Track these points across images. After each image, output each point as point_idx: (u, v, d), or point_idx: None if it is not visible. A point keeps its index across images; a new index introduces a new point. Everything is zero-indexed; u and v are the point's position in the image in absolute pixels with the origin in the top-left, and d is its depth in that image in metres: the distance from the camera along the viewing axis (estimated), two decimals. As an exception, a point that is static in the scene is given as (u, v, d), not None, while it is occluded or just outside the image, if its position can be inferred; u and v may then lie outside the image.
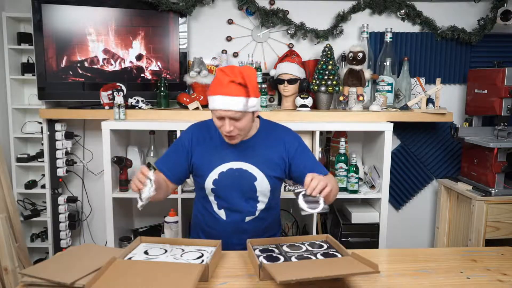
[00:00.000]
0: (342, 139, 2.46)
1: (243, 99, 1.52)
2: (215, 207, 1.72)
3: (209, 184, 1.67)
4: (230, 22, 2.73)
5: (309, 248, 1.49)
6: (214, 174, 1.66)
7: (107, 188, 2.35)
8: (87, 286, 1.16)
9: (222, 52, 2.71)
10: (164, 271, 1.26)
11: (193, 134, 1.73)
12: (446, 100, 2.80)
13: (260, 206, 1.71)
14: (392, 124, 2.39)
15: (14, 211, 2.49)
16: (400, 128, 2.79)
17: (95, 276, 1.20)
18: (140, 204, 1.44)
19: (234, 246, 1.64)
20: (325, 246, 1.52)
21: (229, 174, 1.66)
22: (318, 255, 1.43)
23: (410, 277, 1.37)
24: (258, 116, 1.77)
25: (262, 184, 1.67)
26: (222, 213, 1.71)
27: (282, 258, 1.40)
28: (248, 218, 1.71)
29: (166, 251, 1.46)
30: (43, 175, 2.70)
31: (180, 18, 2.61)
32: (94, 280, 1.19)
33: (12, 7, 2.63)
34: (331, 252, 1.46)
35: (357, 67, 2.51)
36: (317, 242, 1.55)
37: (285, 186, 2.42)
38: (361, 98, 2.54)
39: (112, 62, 2.58)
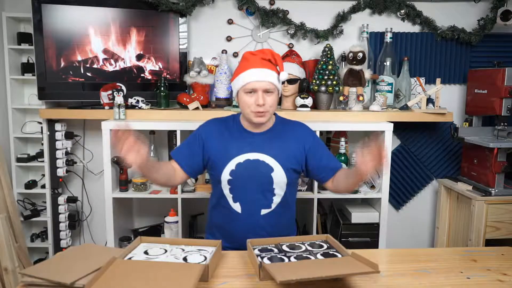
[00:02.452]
0: (342, 139, 2.46)
1: (275, 73, 1.62)
2: (230, 201, 1.71)
3: (225, 175, 1.67)
4: (230, 22, 2.73)
5: (309, 248, 1.49)
6: (231, 165, 1.67)
7: (107, 188, 2.35)
8: (87, 286, 1.16)
9: (222, 52, 2.71)
10: (164, 271, 1.26)
11: (210, 127, 1.75)
12: (446, 100, 2.80)
13: (276, 199, 1.71)
14: (392, 124, 2.39)
15: (14, 211, 2.49)
16: (400, 128, 2.79)
17: (95, 277, 1.20)
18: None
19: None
20: (325, 246, 1.52)
21: (246, 165, 1.67)
22: (318, 255, 1.43)
23: (410, 277, 1.37)
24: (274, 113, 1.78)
25: (279, 176, 1.68)
26: (237, 207, 1.71)
27: (283, 258, 1.40)
28: (263, 211, 1.70)
29: (166, 251, 1.46)
30: (43, 175, 2.70)
31: (180, 18, 2.61)
32: (94, 280, 1.19)
33: (12, 7, 2.63)
34: (331, 252, 1.46)
35: (357, 67, 2.51)
36: (317, 242, 1.55)
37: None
38: (361, 98, 2.54)
39: (112, 62, 2.58)
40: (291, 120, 1.82)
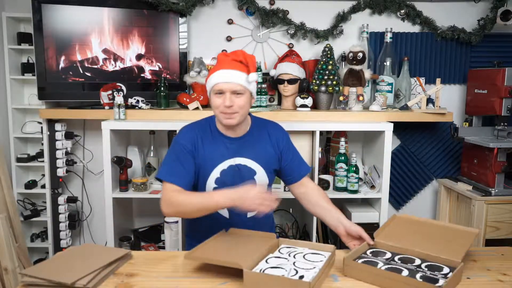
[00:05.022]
0: (342, 139, 2.46)
1: (244, 74, 1.58)
2: None
3: (211, 183, 1.66)
4: (230, 22, 2.73)
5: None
6: (216, 173, 1.66)
7: (107, 188, 2.35)
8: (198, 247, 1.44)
9: (222, 52, 2.71)
10: (249, 247, 1.43)
11: (191, 136, 1.68)
12: (446, 100, 2.80)
13: None
14: (392, 124, 2.39)
15: (14, 211, 2.49)
16: (400, 128, 2.79)
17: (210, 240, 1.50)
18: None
19: None
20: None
21: (230, 171, 1.67)
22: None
23: (410, 277, 1.37)
24: (249, 114, 1.77)
25: (262, 178, 1.70)
26: (225, 212, 1.70)
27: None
28: (250, 214, 1.72)
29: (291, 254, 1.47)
30: (43, 175, 2.70)
31: (180, 18, 2.61)
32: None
33: (12, 7, 2.63)
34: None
35: (357, 67, 2.51)
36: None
37: (284, 187, 2.42)
38: (361, 98, 2.54)
39: (112, 62, 2.58)
40: (266, 120, 1.81)
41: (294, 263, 1.38)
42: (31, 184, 2.70)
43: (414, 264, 1.38)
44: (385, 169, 2.40)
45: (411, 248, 1.44)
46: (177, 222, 2.42)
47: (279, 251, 1.49)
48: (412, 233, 1.57)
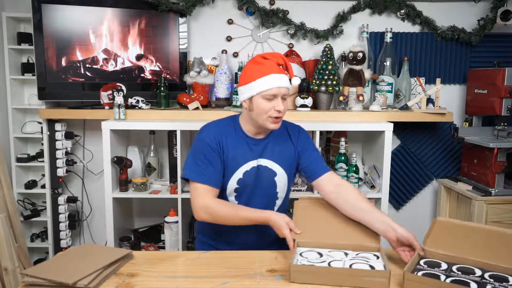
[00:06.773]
0: (342, 139, 2.46)
1: (288, 78, 1.62)
2: None
3: (233, 184, 1.65)
4: (230, 22, 2.73)
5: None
6: (238, 174, 1.65)
7: (107, 188, 2.35)
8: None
9: (222, 52, 2.71)
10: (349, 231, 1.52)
11: (215, 135, 1.65)
12: (446, 100, 2.80)
13: (279, 202, 1.74)
14: (392, 124, 2.39)
15: (14, 211, 2.49)
16: (400, 128, 2.79)
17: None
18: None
19: (252, 246, 1.63)
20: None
21: (252, 172, 1.66)
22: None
23: (411, 277, 1.37)
24: None
25: (281, 179, 1.70)
26: None
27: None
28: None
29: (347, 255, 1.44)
30: (43, 175, 2.69)
31: (180, 18, 2.61)
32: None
33: (12, 7, 2.63)
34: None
35: (357, 67, 2.51)
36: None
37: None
38: (361, 98, 2.54)
39: (112, 62, 2.58)
40: (288, 122, 1.80)
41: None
42: (31, 184, 2.70)
43: (476, 275, 1.28)
44: (385, 169, 2.40)
45: (465, 257, 1.35)
46: (177, 222, 2.41)
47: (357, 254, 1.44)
48: (460, 239, 1.44)
